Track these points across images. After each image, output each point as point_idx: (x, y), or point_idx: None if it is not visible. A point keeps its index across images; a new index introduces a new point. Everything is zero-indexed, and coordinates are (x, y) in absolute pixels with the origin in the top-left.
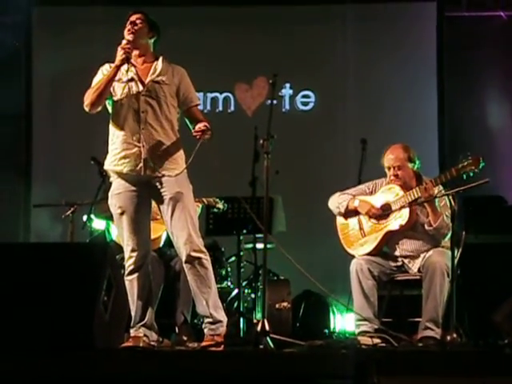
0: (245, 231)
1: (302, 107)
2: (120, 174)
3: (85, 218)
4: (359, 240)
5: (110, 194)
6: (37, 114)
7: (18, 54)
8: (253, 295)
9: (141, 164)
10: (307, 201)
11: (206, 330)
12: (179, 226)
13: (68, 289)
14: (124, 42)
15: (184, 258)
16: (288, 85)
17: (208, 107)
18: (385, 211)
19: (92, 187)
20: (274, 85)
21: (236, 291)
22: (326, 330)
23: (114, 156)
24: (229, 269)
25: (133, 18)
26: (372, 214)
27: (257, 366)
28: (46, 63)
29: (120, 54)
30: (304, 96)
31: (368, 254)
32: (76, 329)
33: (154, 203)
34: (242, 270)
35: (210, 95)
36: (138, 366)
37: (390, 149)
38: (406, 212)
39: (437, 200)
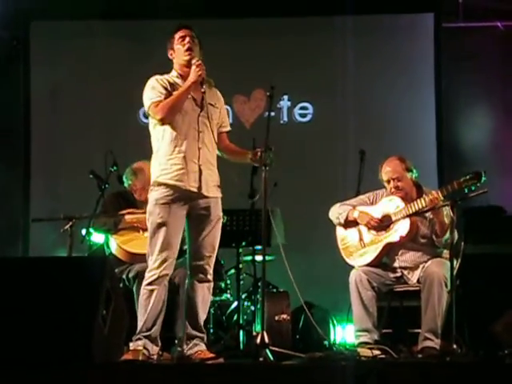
0: (244, 243)
1: (300, 119)
2: (173, 188)
3: (84, 231)
4: (359, 251)
5: (153, 201)
6: (35, 127)
7: (17, 67)
8: (252, 307)
9: (198, 182)
10: (306, 212)
11: (197, 347)
12: (208, 248)
13: (67, 303)
14: (196, 59)
15: (197, 278)
16: (286, 97)
17: None
18: (385, 222)
19: (91, 201)
20: (272, 97)
21: (235, 304)
22: (326, 342)
23: (174, 171)
24: (228, 281)
25: (188, 33)
26: (371, 225)
27: (256, 378)
28: (45, 77)
29: (197, 71)
30: (302, 108)
31: (367, 265)
32: (75, 343)
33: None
34: (242, 282)
35: None
36: (138, 380)
37: (386, 162)
38: (406, 223)
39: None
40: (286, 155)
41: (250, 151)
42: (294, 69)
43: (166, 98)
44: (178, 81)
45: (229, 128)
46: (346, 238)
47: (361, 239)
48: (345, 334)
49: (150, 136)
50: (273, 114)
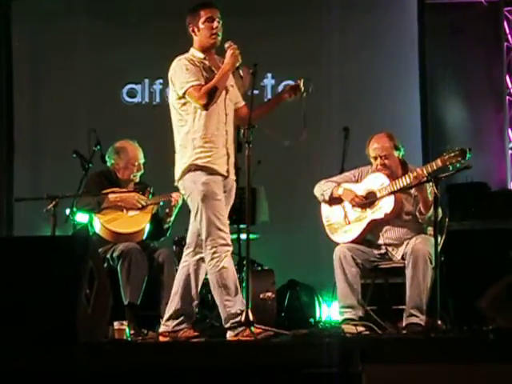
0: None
1: None
2: (210, 170)
3: (67, 211)
4: (343, 227)
5: (194, 184)
6: (17, 107)
7: None
8: None
9: (226, 165)
10: (290, 190)
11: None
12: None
13: (50, 282)
14: (229, 43)
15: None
16: (270, 75)
17: None
18: (369, 199)
19: (74, 180)
20: (255, 74)
21: None
22: (312, 320)
23: (211, 155)
24: None
25: (216, 14)
26: (356, 202)
27: (241, 356)
28: (26, 56)
29: (234, 55)
30: (286, 86)
31: (352, 242)
32: (58, 323)
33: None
34: None
35: None
36: (123, 359)
37: (374, 138)
38: (390, 200)
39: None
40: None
41: (284, 90)
42: (277, 46)
43: (206, 82)
44: (207, 63)
45: (243, 102)
46: (330, 214)
47: (345, 216)
48: (330, 311)
49: (172, 116)
50: (257, 91)
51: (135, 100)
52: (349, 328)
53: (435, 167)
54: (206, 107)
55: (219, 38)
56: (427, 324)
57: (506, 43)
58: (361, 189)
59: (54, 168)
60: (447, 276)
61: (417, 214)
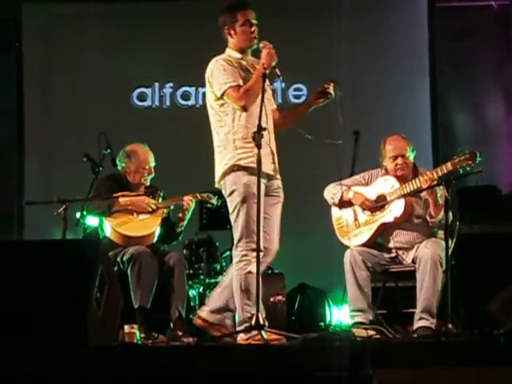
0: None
1: (294, 100)
2: (253, 170)
3: (78, 214)
4: (354, 231)
5: (236, 184)
6: (28, 110)
7: (9, 51)
8: None
9: (272, 164)
10: (301, 193)
11: None
12: (276, 229)
13: (61, 286)
14: (265, 43)
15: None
16: (280, 78)
17: (200, 102)
18: (379, 203)
19: (85, 184)
20: (266, 77)
21: None
22: (322, 323)
23: (254, 155)
24: (223, 263)
25: (254, 17)
26: (366, 206)
27: (252, 359)
28: (37, 59)
29: (272, 54)
30: (296, 89)
31: (362, 245)
32: (69, 326)
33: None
34: None
35: (201, 90)
36: (133, 362)
37: (390, 139)
38: (401, 204)
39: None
40: (280, 136)
41: (313, 94)
42: (287, 50)
43: (244, 82)
44: (244, 63)
45: (275, 105)
46: (340, 218)
47: (356, 219)
48: (340, 315)
49: (211, 117)
50: None
51: (145, 103)
52: (359, 332)
53: (445, 171)
54: (244, 108)
55: (256, 41)
56: (438, 327)
57: None
58: (371, 192)
59: (64, 171)
60: (458, 279)
61: (427, 217)
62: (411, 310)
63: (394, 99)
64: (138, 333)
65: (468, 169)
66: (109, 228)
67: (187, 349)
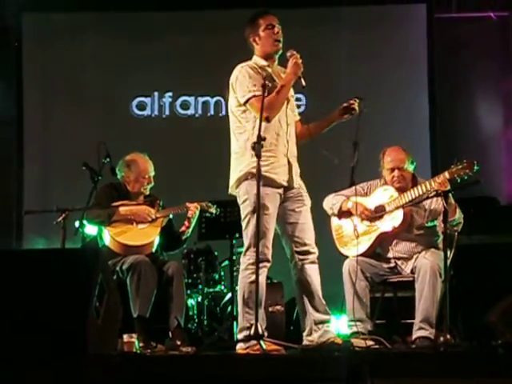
0: (237, 235)
1: None
2: (268, 179)
3: (77, 223)
4: (353, 241)
5: (249, 192)
6: (27, 119)
7: (9, 59)
8: None
9: (287, 175)
10: None
11: (329, 335)
12: (308, 232)
13: (60, 295)
14: (291, 51)
15: (308, 261)
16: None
17: (199, 111)
18: (378, 213)
19: (84, 193)
20: (265, 87)
21: (229, 295)
22: None
23: (269, 164)
24: (222, 273)
25: (276, 21)
26: (365, 216)
27: (250, 369)
28: (37, 68)
29: (297, 64)
30: (295, 99)
31: (361, 255)
32: (68, 334)
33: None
34: (235, 273)
35: (201, 99)
36: (132, 372)
37: (389, 150)
38: (399, 214)
39: (429, 202)
40: None
41: (337, 110)
42: (287, 60)
43: (268, 90)
44: (269, 70)
45: (299, 117)
46: (340, 228)
47: (355, 229)
48: (339, 325)
49: (231, 123)
50: None
51: (145, 113)
52: (358, 342)
53: (443, 180)
54: (268, 119)
55: (281, 44)
56: (436, 338)
57: None
58: (370, 202)
59: (63, 180)
60: (456, 290)
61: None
62: (410, 321)
63: (393, 109)
64: (136, 342)
65: (466, 178)
66: (108, 237)
67: (186, 358)
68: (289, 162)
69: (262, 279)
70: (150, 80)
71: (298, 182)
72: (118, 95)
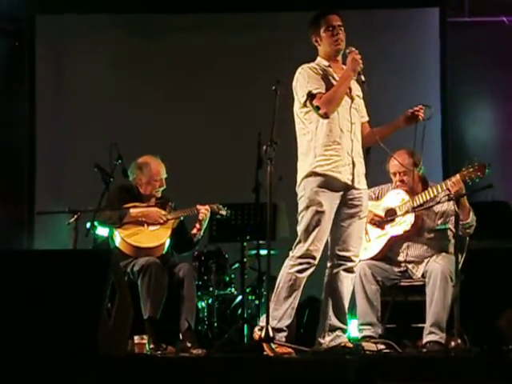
0: (248, 237)
1: None
2: (331, 178)
3: (88, 225)
4: (364, 244)
5: (311, 190)
6: (40, 120)
7: (22, 61)
8: (257, 301)
9: (351, 174)
10: None
11: (340, 339)
12: (356, 239)
13: (72, 296)
14: (351, 48)
15: (344, 268)
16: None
17: (213, 113)
18: (389, 216)
19: (95, 194)
20: (277, 91)
21: (240, 298)
22: None
23: (332, 163)
24: (232, 275)
25: (337, 20)
26: (375, 221)
27: (261, 372)
28: (49, 70)
29: (355, 60)
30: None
31: (372, 259)
32: (80, 335)
33: None
34: (246, 276)
35: (214, 101)
36: (142, 373)
37: (396, 155)
38: (410, 217)
39: (441, 206)
40: (290, 149)
41: (403, 116)
42: (295, 63)
43: (326, 90)
44: (331, 70)
45: (367, 118)
46: None
47: (366, 233)
48: (350, 328)
49: (296, 124)
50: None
51: None
52: (369, 345)
53: (456, 181)
54: (325, 116)
55: (342, 44)
56: (447, 342)
57: None
58: (381, 206)
59: (75, 181)
60: (467, 295)
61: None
62: (420, 325)
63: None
64: (147, 344)
65: (477, 180)
66: (119, 239)
67: (196, 360)
68: (353, 162)
69: (303, 275)
70: (163, 80)
71: (361, 182)
72: (130, 96)
